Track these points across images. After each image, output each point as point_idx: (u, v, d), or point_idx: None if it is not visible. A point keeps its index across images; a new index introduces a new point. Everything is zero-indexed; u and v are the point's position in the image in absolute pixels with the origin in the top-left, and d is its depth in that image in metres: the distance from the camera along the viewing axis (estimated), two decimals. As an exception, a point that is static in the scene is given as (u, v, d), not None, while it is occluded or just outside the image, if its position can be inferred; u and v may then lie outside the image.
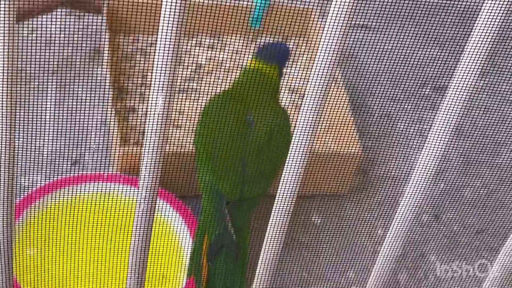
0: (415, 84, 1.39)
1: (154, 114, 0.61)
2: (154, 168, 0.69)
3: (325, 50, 0.65)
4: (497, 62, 1.41)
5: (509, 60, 1.39)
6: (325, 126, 1.24)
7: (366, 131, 1.27)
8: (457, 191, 1.20)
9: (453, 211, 1.16)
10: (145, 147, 0.66)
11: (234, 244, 0.94)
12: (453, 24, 1.51)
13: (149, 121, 0.65)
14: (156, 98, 0.65)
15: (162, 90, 0.64)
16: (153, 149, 0.65)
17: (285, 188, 0.76)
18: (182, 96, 1.27)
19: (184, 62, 1.33)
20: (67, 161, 1.16)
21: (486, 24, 0.69)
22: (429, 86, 1.38)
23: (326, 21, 0.61)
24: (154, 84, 0.63)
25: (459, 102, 0.78)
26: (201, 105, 1.26)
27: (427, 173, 0.80)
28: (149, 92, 0.64)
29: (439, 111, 0.77)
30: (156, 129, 0.62)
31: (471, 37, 0.71)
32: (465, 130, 1.28)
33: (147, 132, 0.65)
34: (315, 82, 0.68)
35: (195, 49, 1.35)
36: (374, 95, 1.35)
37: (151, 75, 0.63)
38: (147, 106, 0.64)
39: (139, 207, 0.71)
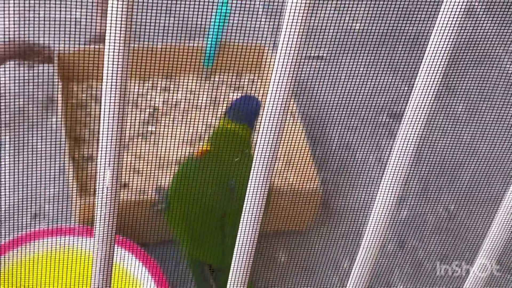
0: (371, 112, 1.40)
1: (105, 161, 0.61)
2: (109, 217, 0.68)
3: (277, 85, 0.65)
4: (450, 83, 1.43)
5: (461, 81, 1.41)
6: (283, 161, 1.24)
7: (325, 163, 1.27)
8: (420, 217, 1.20)
9: (417, 238, 1.16)
10: (97, 195, 0.65)
11: None
12: (404, 49, 1.53)
13: (100, 168, 0.64)
14: (106, 144, 0.64)
15: (112, 135, 0.63)
16: (106, 196, 0.64)
17: (246, 227, 0.76)
18: (140, 140, 1.27)
19: (139, 106, 1.33)
20: (27, 215, 1.14)
21: (437, 48, 0.70)
22: (385, 113, 1.40)
23: (276, 56, 0.61)
24: (103, 130, 0.63)
25: (416, 128, 0.79)
26: (159, 148, 1.26)
27: (389, 202, 0.81)
28: (97, 139, 0.63)
29: (396, 138, 0.78)
30: (108, 177, 0.62)
31: (424, 61, 0.72)
32: (423, 155, 1.29)
33: (99, 179, 0.64)
34: (269, 117, 0.67)
35: (150, 92, 1.35)
36: (331, 125, 1.36)
37: (99, 122, 0.62)
38: (97, 152, 0.63)
39: (96, 257, 0.70)
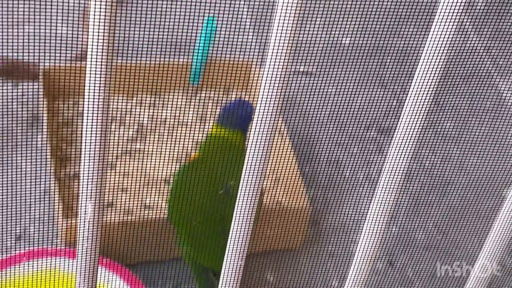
0: (360, 127, 1.39)
1: (87, 180, 0.59)
2: (92, 237, 0.67)
3: (265, 101, 0.64)
4: (439, 100, 1.43)
5: (451, 97, 1.41)
6: (271, 179, 1.23)
7: (314, 181, 1.26)
8: (410, 234, 1.19)
9: (407, 256, 1.15)
10: (80, 215, 0.64)
11: None
12: (393, 64, 1.52)
13: (83, 186, 0.62)
14: (89, 164, 0.62)
15: (94, 156, 0.62)
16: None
17: (234, 245, 0.75)
18: (126, 157, 1.25)
19: (125, 123, 1.31)
20: (11, 237, 1.12)
21: (429, 64, 0.69)
22: (374, 128, 1.39)
23: (263, 72, 0.60)
24: (85, 148, 0.61)
25: (407, 146, 0.78)
26: (146, 165, 1.24)
27: (380, 220, 0.80)
28: (80, 157, 0.61)
29: (387, 156, 0.77)
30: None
31: (415, 78, 0.71)
32: (413, 171, 1.28)
33: (81, 199, 0.62)
34: (257, 135, 0.66)
35: (136, 108, 1.33)
36: (319, 141, 1.35)
37: (81, 141, 0.60)
38: (79, 171, 0.62)
39: (79, 279, 0.68)
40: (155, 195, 1.18)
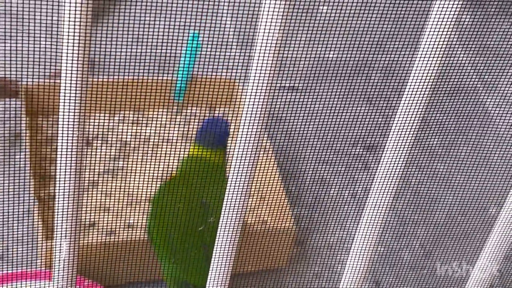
0: (346, 144, 1.38)
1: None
2: (68, 260, 0.65)
3: (249, 119, 0.63)
4: (425, 117, 1.42)
5: (436, 114, 1.40)
6: (256, 198, 1.22)
7: (299, 199, 1.25)
8: (396, 253, 1.18)
9: (393, 276, 1.14)
10: (56, 236, 0.62)
11: None
12: (379, 80, 1.51)
13: (58, 207, 0.61)
14: (64, 184, 0.61)
15: (70, 176, 0.60)
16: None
17: (218, 265, 0.73)
18: (108, 176, 1.23)
19: (108, 140, 1.29)
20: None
21: (418, 82, 0.68)
22: (360, 145, 1.38)
23: (247, 89, 0.59)
24: (60, 169, 0.60)
25: (396, 165, 0.77)
26: (129, 184, 1.22)
27: (368, 243, 0.78)
28: (58, 178, 0.60)
29: (376, 175, 0.75)
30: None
31: (404, 96, 0.70)
32: (398, 189, 1.27)
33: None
34: (241, 154, 0.65)
35: (118, 125, 1.32)
36: (305, 159, 1.33)
37: (56, 160, 0.59)
38: (55, 192, 0.60)
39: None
40: (138, 214, 1.17)
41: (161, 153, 1.27)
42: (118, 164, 1.25)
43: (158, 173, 1.21)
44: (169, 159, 1.26)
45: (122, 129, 1.31)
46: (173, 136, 1.31)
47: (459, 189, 1.23)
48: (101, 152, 1.26)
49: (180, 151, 1.27)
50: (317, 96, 1.33)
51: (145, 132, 1.31)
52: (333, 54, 1.56)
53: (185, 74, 1.30)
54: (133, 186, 1.21)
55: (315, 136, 1.26)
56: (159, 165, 1.25)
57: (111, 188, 1.20)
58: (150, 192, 1.19)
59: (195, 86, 1.32)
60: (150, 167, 1.23)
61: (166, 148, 1.28)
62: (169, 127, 1.33)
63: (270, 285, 1.11)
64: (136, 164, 1.25)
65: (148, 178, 1.22)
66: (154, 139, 1.30)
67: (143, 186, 1.20)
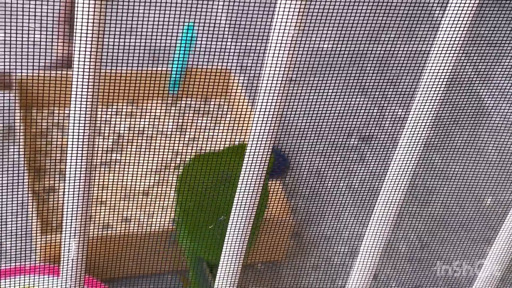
0: (341, 135, 1.37)
1: (72, 197, 0.57)
2: (77, 257, 0.65)
3: (261, 121, 0.62)
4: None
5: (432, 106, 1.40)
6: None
7: (296, 192, 1.24)
8: (393, 245, 1.18)
9: (390, 268, 1.14)
10: (65, 234, 0.61)
11: None
12: (374, 71, 1.51)
13: (68, 205, 0.60)
14: (74, 176, 0.60)
15: (81, 166, 0.59)
16: (74, 235, 0.60)
17: (228, 260, 0.73)
18: (104, 169, 1.22)
19: (103, 133, 1.29)
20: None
21: (433, 77, 0.68)
22: (355, 136, 1.37)
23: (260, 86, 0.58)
24: (71, 160, 0.59)
25: (403, 176, 0.77)
26: (125, 177, 1.22)
27: (376, 248, 0.79)
28: (65, 169, 0.59)
29: (384, 185, 0.75)
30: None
31: (418, 95, 0.69)
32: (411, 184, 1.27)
33: (66, 219, 0.60)
34: (254, 148, 0.65)
35: (114, 118, 1.31)
36: (300, 151, 1.33)
37: (67, 152, 0.58)
38: (64, 185, 0.60)
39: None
40: (136, 207, 1.16)
41: (156, 145, 1.27)
42: (114, 156, 1.24)
43: (153, 165, 1.20)
44: (164, 151, 1.26)
45: (116, 121, 1.30)
46: (168, 128, 1.30)
47: (455, 181, 1.23)
48: (97, 145, 1.25)
49: (174, 143, 1.27)
50: (311, 88, 1.32)
51: (140, 124, 1.30)
52: (328, 45, 1.55)
53: (180, 66, 1.29)
54: (129, 178, 1.20)
55: (311, 127, 1.26)
56: (154, 157, 1.24)
57: (108, 181, 1.20)
58: (146, 184, 1.19)
59: (190, 78, 1.32)
60: (145, 160, 1.23)
61: (160, 140, 1.27)
62: (164, 118, 1.32)
63: (268, 277, 1.11)
64: (132, 156, 1.24)
65: (144, 170, 1.22)
66: (149, 131, 1.29)
67: (139, 178, 1.20)
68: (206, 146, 1.27)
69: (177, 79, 1.31)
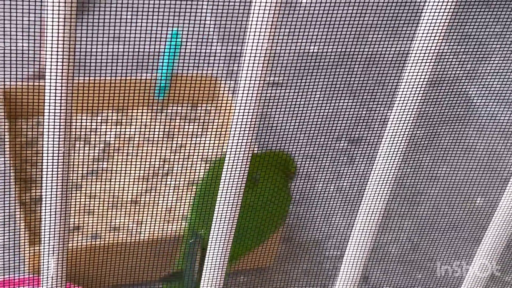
0: (330, 137, 1.37)
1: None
2: (57, 264, 0.64)
3: (240, 120, 0.62)
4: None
5: (420, 106, 1.40)
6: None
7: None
8: (383, 247, 1.18)
9: (380, 270, 1.14)
10: (43, 244, 0.61)
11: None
12: (361, 73, 1.51)
13: (45, 211, 0.60)
14: (51, 186, 0.60)
15: (57, 178, 0.59)
16: (53, 245, 0.60)
17: (212, 264, 0.73)
18: (92, 178, 1.22)
19: (90, 142, 1.28)
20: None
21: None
22: (344, 138, 1.37)
23: (236, 88, 0.58)
24: (47, 171, 0.59)
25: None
26: (113, 186, 1.21)
27: (363, 246, 0.79)
28: (41, 181, 0.59)
29: (369, 181, 0.75)
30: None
31: (399, 95, 0.69)
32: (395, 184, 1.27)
33: (44, 224, 0.59)
34: (233, 152, 0.64)
35: (101, 126, 1.30)
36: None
37: (42, 162, 0.58)
38: (40, 196, 0.59)
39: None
40: (125, 216, 1.15)
41: (144, 153, 1.26)
42: (102, 165, 1.24)
43: (141, 173, 1.20)
44: (152, 159, 1.25)
45: (103, 129, 1.30)
46: (156, 135, 1.29)
47: (444, 181, 1.23)
48: (84, 153, 1.24)
49: (162, 150, 1.26)
50: (299, 90, 1.32)
51: (128, 132, 1.29)
52: (314, 47, 1.55)
53: (166, 72, 1.29)
54: (117, 187, 1.20)
55: (299, 131, 1.26)
56: (142, 165, 1.24)
57: (95, 190, 1.19)
58: (134, 193, 1.18)
59: (176, 84, 1.31)
60: (134, 168, 1.22)
61: (148, 147, 1.27)
62: (152, 126, 1.31)
63: (258, 284, 1.11)
64: (119, 164, 1.24)
65: (132, 179, 1.21)
66: (136, 138, 1.29)
67: (127, 187, 1.19)
68: (194, 153, 1.26)
69: (163, 86, 1.30)
